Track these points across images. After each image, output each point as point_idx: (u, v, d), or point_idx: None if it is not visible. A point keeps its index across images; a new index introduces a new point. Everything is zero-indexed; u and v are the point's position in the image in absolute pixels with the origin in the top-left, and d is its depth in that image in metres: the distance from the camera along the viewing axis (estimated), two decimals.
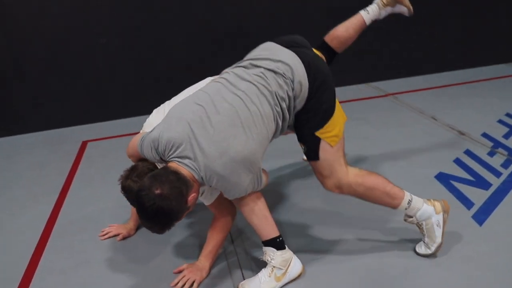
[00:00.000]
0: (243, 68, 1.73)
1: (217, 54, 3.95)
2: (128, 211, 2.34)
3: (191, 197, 1.56)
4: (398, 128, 3.34)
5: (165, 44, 3.90)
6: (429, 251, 1.90)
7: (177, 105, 1.72)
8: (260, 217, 1.75)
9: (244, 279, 1.85)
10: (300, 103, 1.73)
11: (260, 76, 1.67)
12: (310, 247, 2.05)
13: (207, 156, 1.54)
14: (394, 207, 1.87)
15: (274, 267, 1.76)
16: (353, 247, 2.03)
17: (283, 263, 1.78)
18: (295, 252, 1.85)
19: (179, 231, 2.24)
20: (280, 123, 1.71)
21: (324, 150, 1.78)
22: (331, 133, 1.79)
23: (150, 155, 1.68)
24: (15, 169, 3.20)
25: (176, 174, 1.54)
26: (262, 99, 1.64)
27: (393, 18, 4.24)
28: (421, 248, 1.93)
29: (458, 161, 2.77)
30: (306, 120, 1.78)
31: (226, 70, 1.80)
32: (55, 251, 2.18)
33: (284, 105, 1.69)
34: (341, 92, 3.01)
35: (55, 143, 3.64)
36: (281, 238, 1.79)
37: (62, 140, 3.69)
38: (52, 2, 3.59)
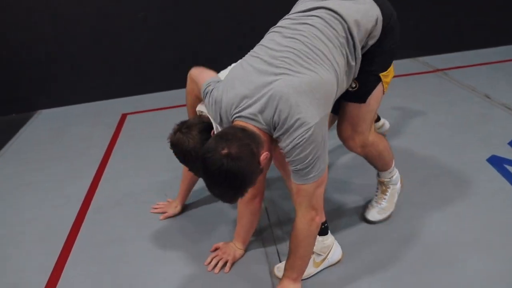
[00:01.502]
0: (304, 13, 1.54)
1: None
2: (164, 186, 2.33)
3: (263, 156, 1.37)
4: (448, 106, 3.13)
5: (209, 24, 3.84)
6: (384, 216, 1.97)
7: (236, 64, 1.59)
8: None
9: (280, 262, 1.79)
10: (372, 40, 1.55)
11: (320, 17, 1.48)
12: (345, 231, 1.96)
13: None
14: (388, 168, 1.94)
15: (313, 252, 1.69)
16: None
17: (323, 249, 1.71)
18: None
19: (219, 213, 2.20)
20: (352, 63, 1.51)
21: (375, 96, 1.67)
22: (388, 77, 1.70)
23: (210, 111, 1.54)
24: (60, 142, 3.27)
25: (244, 130, 1.36)
26: (324, 38, 1.44)
27: None
28: (375, 215, 1.97)
29: None
30: (378, 58, 1.60)
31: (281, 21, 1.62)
32: (93, 225, 2.20)
33: (355, 43, 1.49)
34: None
35: (97, 115, 3.69)
36: (326, 224, 1.72)
37: (103, 112, 3.73)
38: None
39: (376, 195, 2.02)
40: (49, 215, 2.32)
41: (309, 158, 1.36)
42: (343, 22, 1.46)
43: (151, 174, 2.59)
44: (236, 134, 1.34)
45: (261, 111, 1.37)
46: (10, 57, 3.73)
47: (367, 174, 2.20)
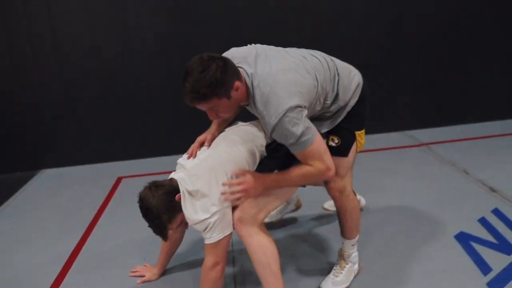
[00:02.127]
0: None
1: None
2: (150, 250, 2.44)
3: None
4: (425, 180, 3.26)
5: None
6: None
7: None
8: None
9: None
10: (354, 99, 1.92)
11: (324, 58, 1.91)
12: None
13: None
14: (353, 237, 2.11)
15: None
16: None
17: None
18: None
19: (197, 279, 2.30)
20: (321, 101, 1.84)
21: (353, 151, 1.98)
22: (362, 139, 2.02)
23: None
24: (56, 201, 3.46)
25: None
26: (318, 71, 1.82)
27: (433, 65, 4.25)
28: (329, 286, 2.07)
29: (483, 221, 2.65)
30: (354, 118, 1.94)
31: None
32: (71, 287, 2.31)
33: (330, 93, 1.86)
34: (370, 142, 3.08)
35: (94, 177, 3.89)
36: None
37: (101, 174, 3.94)
38: (101, 49, 3.94)
39: (335, 268, 2.13)
40: (33, 273, 2.45)
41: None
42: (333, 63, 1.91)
43: (136, 237, 2.72)
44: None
45: None
46: (18, 116, 4.04)
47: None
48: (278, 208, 2.45)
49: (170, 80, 4.00)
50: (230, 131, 1.97)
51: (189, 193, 1.77)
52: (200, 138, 1.97)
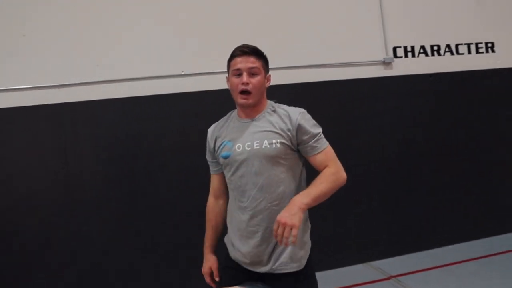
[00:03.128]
0: None
1: None
2: None
3: None
4: None
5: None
6: None
7: None
8: None
9: None
10: None
11: None
12: None
13: None
14: None
15: None
16: None
17: None
18: None
19: None
20: None
21: None
22: None
23: None
24: None
25: None
26: None
27: (402, 187, 4.14)
28: None
29: None
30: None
31: None
32: None
33: None
34: (334, 276, 2.74)
35: None
36: None
37: None
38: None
39: None
40: None
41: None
42: None
43: None
44: None
45: None
46: None
47: None
48: None
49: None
50: None
51: None
52: (205, 270, 2.04)
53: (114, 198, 3.66)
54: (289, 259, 1.82)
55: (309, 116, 1.87)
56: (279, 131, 1.82)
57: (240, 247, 1.88)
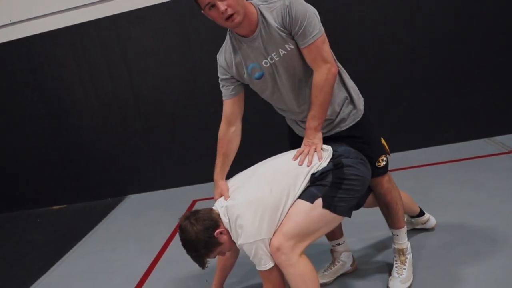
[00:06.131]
0: None
1: None
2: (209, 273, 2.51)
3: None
4: None
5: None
6: (407, 285, 2.07)
7: None
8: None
9: None
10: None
11: None
12: None
13: None
14: (404, 224, 2.18)
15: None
16: None
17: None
18: None
19: None
20: None
21: None
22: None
23: None
24: (135, 225, 3.73)
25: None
26: None
27: None
28: (399, 285, 2.05)
29: None
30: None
31: None
32: None
33: None
34: (450, 152, 3.12)
35: (171, 201, 4.12)
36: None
37: (178, 199, 4.14)
38: (171, 82, 4.19)
39: (396, 266, 2.13)
40: None
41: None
42: None
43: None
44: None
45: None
46: (109, 151, 4.46)
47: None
48: (333, 269, 2.30)
49: None
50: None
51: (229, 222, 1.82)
52: (216, 198, 2.02)
53: None
54: (346, 115, 2.01)
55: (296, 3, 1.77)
56: (284, 36, 1.81)
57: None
